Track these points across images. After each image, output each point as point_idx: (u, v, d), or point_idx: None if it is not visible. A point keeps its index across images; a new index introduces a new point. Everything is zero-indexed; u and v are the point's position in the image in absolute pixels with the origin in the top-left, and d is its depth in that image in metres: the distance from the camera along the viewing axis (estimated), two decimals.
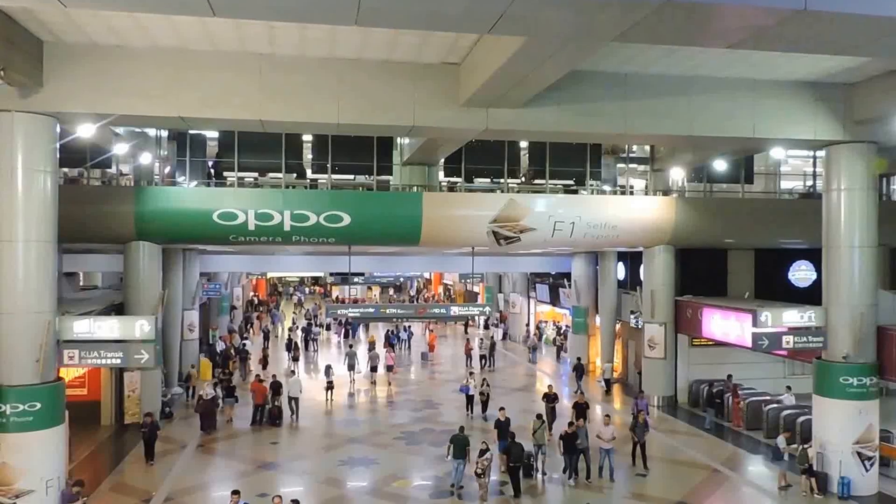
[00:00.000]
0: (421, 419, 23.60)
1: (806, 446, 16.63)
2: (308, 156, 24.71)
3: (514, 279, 43.68)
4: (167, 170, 24.27)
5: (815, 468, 16.46)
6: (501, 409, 19.22)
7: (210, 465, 19.22)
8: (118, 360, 14.97)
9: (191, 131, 23.62)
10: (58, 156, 14.71)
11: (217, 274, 38.20)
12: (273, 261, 36.20)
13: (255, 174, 24.69)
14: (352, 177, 25.23)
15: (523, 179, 25.79)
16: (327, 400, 25.90)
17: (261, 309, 54.20)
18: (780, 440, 17.46)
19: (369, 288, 63.34)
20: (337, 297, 62.65)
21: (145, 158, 22.44)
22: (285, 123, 14.66)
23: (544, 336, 39.73)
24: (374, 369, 29.13)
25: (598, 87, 15.24)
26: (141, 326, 15.01)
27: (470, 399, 23.95)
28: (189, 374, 27.20)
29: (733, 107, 15.92)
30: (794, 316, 17.05)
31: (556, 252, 32.78)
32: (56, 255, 14.63)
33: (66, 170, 23.51)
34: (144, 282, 22.60)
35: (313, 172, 24.68)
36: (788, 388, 22.82)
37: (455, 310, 24.41)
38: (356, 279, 46.38)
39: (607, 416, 18.29)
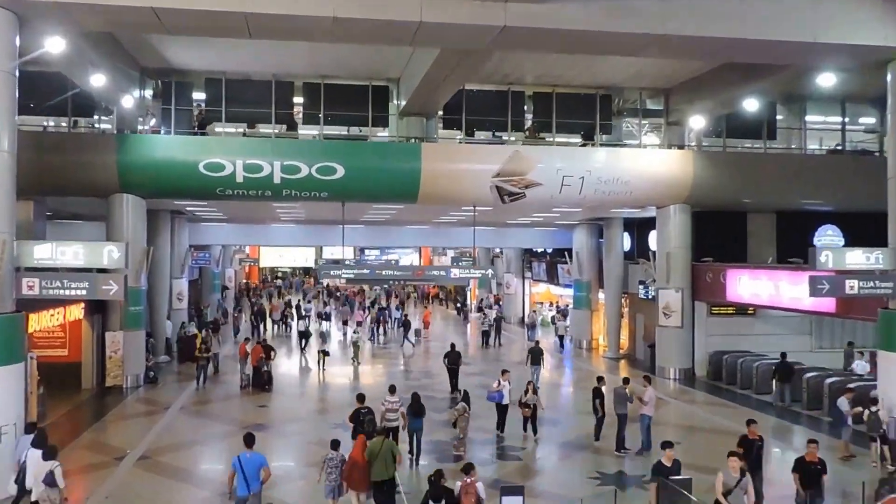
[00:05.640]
0: (418, 387, 21.21)
1: (875, 409, 13.99)
2: (299, 105, 22.69)
3: (508, 259, 41.61)
4: (153, 122, 22.29)
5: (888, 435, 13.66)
6: (667, 445, 10.52)
7: (192, 426, 17.27)
8: (83, 291, 12.81)
9: (176, 80, 21.76)
10: (17, 59, 12.57)
11: (210, 248, 35.99)
12: (263, 232, 34.04)
13: (244, 125, 22.67)
14: (345, 129, 23.24)
15: (527, 133, 23.82)
16: (321, 369, 23.93)
17: (252, 294, 51.72)
18: (843, 402, 14.74)
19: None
20: (328, 285, 60.25)
21: (128, 103, 20.25)
22: (272, 18, 12.33)
23: (541, 318, 37.27)
24: (344, 322, 31.58)
25: None
26: (109, 253, 12.95)
27: (503, 411, 16.01)
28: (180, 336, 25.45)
29: (791, 6, 13.56)
30: (858, 257, 14.67)
31: (557, 222, 30.94)
32: (14, 168, 12.53)
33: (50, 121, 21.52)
34: (129, 236, 20.50)
35: (304, 123, 22.70)
36: (861, 353, 20.49)
37: (455, 272, 22.24)
38: (347, 261, 44.27)
39: (647, 376, 16.25)
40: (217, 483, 12.61)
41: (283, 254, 62.22)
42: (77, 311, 19.11)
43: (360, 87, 22.46)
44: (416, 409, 14.04)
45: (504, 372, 16.80)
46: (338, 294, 48.30)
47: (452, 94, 21.46)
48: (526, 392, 15.86)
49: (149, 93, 22.15)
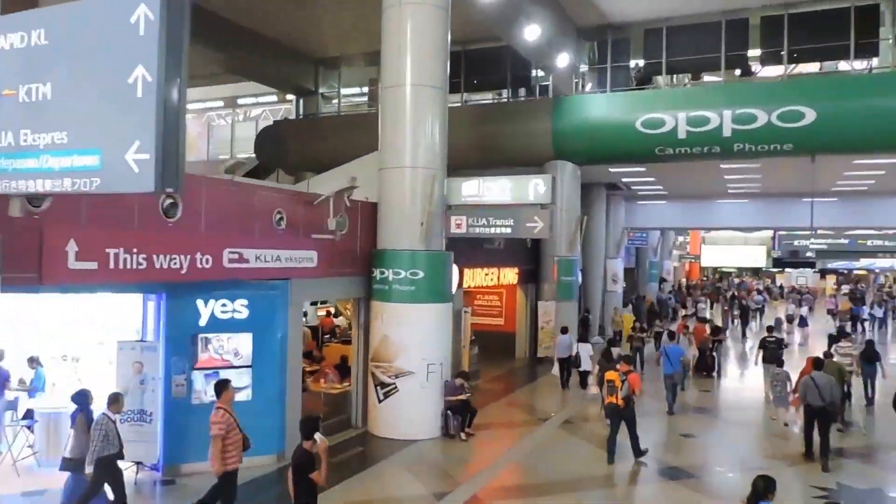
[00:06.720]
0: None
1: None
2: (754, 46, 19.14)
3: None
4: (588, 87, 21.25)
5: None
6: None
7: None
8: (508, 229, 11.95)
9: (612, 37, 20.32)
10: None
11: (647, 233, 34.12)
12: (707, 211, 30.37)
13: (687, 77, 20.13)
14: (817, 66, 18.87)
15: None
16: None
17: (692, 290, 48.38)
18: None
19: (822, 276, 52.97)
20: (780, 286, 53.55)
21: (563, 62, 19.46)
22: None
23: None
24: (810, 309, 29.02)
25: None
26: (535, 186, 11.78)
27: None
28: (612, 318, 24.11)
29: None
30: None
31: None
32: (445, 104, 12.16)
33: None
34: (563, 205, 19.90)
35: (762, 64, 19.04)
36: None
37: None
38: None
39: None
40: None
41: (728, 252, 57.09)
42: (511, 275, 18.94)
43: (838, 12, 17.93)
44: (868, 355, 14.66)
45: None
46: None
47: None
48: None
49: (584, 58, 21.19)
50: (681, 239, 52.58)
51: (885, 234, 26.49)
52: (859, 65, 18.06)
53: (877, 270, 54.61)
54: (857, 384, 14.27)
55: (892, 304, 31.42)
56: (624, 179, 24.79)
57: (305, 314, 18.94)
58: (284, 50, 21.08)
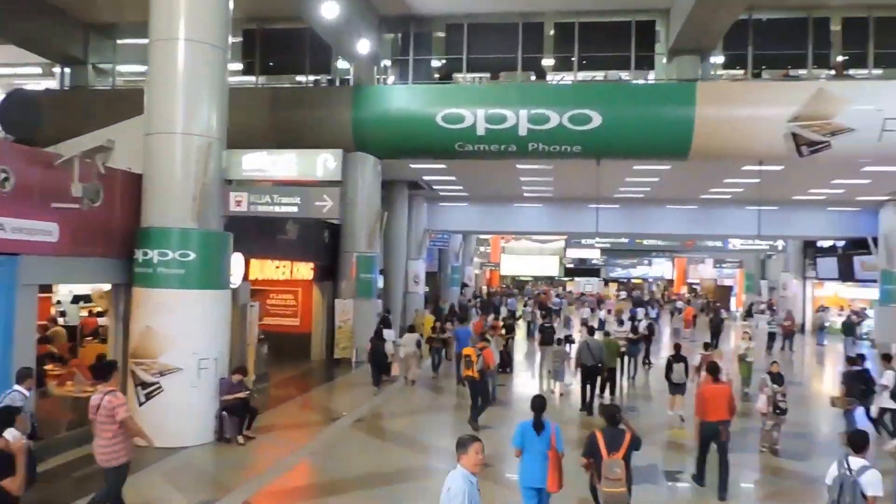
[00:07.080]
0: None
1: None
2: (548, 49, 19.60)
3: (786, 257, 34.63)
4: (391, 79, 20.62)
5: None
6: None
7: (420, 397, 14.94)
8: (294, 208, 10.72)
9: (414, 30, 19.88)
10: None
11: (449, 236, 34.27)
12: (505, 215, 31.07)
13: (487, 75, 20.13)
14: (602, 74, 19.69)
15: (835, 71, 18.43)
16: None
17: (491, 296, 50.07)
18: None
19: (606, 284, 57.04)
20: (570, 293, 56.99)
21: (364, 49, 18.63)
22: None
23: (828, 323, 29.92)
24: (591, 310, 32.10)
25: None
26: (325, 162, 10.74)
27: None
28: (414, 320, 23.58)
29: None
30: None
31: (859, 198, 24.49)
32: (225, 66, 10.73)
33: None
34: (363, 199, 19.04)
35: (555, 69, 19.54)
36: None
37: (735, 243, 17.55)
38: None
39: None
40: (435, 448, 10.25)
41: (526, 261, 59.76)
42: (305, 270, 17.68)
43: (620, 24, 18.86)
44: (636, 339, 17.81)
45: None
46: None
47: (734, 21, 17.01)
48: None
49: (386, 51, 20.57)
50: (482, 248, 54.08)
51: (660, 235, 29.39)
52: (639, 76, 19.16)
53: (650, 280, 59.98)
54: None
55: (671, 306, 34.70)
56: (425, 178, 24.48)
57: (64, 313, 16.37)
58: (45, 7, 18.08)
